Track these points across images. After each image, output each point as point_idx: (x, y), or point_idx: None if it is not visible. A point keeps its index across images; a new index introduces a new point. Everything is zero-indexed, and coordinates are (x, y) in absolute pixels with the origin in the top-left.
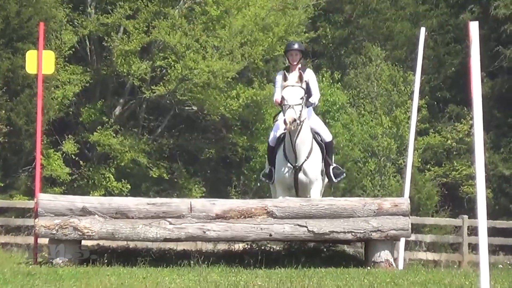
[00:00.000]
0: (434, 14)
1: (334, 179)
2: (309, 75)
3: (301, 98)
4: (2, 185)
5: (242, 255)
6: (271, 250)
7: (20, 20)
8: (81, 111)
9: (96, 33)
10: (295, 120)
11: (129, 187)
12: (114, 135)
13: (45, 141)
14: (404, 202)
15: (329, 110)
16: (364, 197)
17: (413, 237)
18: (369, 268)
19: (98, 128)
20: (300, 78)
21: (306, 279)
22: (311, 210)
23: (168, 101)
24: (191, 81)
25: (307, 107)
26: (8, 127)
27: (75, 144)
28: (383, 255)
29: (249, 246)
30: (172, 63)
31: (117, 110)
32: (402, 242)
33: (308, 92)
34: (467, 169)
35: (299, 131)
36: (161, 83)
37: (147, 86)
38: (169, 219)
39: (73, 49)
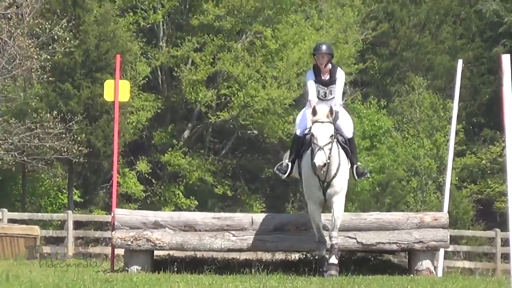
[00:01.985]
0: (470, 48)
1: (356, 178)
2: (339, 74)
3: (331, 136)
4: (82, 200)
5: (298, 264)
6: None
7: (98, 53)
8: (153, 134)
9: (167, 64)
10: (325, 164)
11: (197, 203)
12: (183, 156)
13: (121, 162)
14: (443, 216)
15: (376, 134)
16: (407, 212)
17: (451, 247)
18: (412, 275)
19: (168, 149)
20: (331, 112)
21: (355, 285)
22: (360, 224)
23: (231, 126)
24: (252, 107)
25: (335, 121)
26: (88, 148)
27: (148, 164)
28: (425, 264)
29: (304, 256)
30: (235, 91)
31: (186, 134)
32: (441, 252)
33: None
34: (499, 186)
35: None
36: (225, 109)
37: (212, 112)
38: (233, 232)
39: (147, 79)
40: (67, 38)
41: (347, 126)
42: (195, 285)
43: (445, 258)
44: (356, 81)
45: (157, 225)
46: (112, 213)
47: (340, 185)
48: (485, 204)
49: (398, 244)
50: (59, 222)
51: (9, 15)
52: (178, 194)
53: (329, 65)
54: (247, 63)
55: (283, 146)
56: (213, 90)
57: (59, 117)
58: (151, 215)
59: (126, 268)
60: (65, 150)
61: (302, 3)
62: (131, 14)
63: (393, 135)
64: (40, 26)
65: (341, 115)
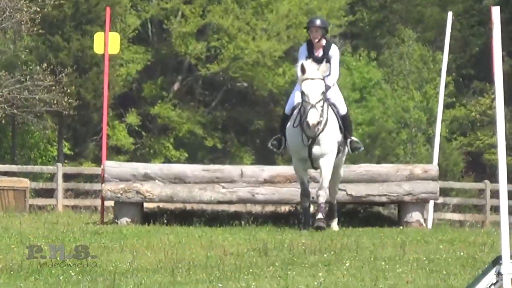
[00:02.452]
0: (460, 0)
1: (351, 152)
2: (333, 51)
3: (322, 93)
4: (72, 153)
5: (288, 216)
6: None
7: (88, 5)
8: (143, 86)
9: (157, 16)
10: (319, 123)
11: (186, 155)
12: (173, 108)
13: (111, 114)
14: (433, 168)
15: (366, 86)
16: (397, 164)
17: (441, 199)
18: (401, 227)
19: (158, 102)
20: (327, 69)
21: (345, 237)
22: (350, 176)
23: (221, 78)
24: (242, 60)
25: (325, 91)
26: (78, 101)
27: (138, 116)
28: (414, 216)
29: (294, 208)
30: (225, 43)
31: (176, 86)
32: (431, 204)
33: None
34: (489, 138)
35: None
36: (215, 62)
37: (202, 64)
38: (222, 184)
39: (136, 31)
40: None
41: (341, 103)
42: (185, 237)
43: (434, 210)
44: (346, 33)
45: (146, 177)
46: (102, 166)
47: (326, 144)
48: (474, 156)
49: (388, 196)
50: (49, 175)
51: None
52: (168, 146)
53: (323, 41)
54: (237, 15)
55: (273, 99)
56: (203, 42)
57: (48, 69)
58: (141, 167)
59: (116, 220)
60: (55, 102)
61: None
62: None
63: (383, 87)
64: None
65: (334, 92)
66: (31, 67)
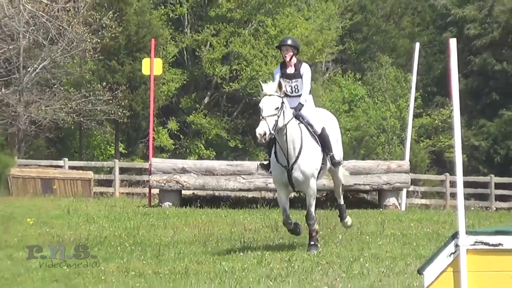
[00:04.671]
0: (425, 33)
1: (333, 167)
2: (304, 69)
3: (276, 108)
4: (126, 152)
5: (293, 201)
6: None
7: (138, 37)
8: (180, 100)
9: (191, 46)
10: (265, 133)
11: (214, 153)
12: (204, 117)
13: (155, 121)
14: (405, 163)
15: (353, 100)
16: (377, 160)
17: (411, 188)
18: (381, 210)
19: (192, 112)
20: (279, 86)
21: (337, 217)
22: None
23: (241, 93)
24: (257, 79)
25: (297, 110)
26: (130, 112)
27: (177, 123)
28: (391, 200)
29: (298, 195)
30: (244, 67)
31: (206, 100)
32: (404, 192)
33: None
34: (448, 141)
35: (285, 133)
36: (236, 81)
37: (226, 83)
38: (243, 176)
39: (175, 57)
40: (113, 26)
41: (316, 122)
42: (214, 217)
43: (407, 196)
44: (337, 59)
45: (184, 171)
46: (149, 161)
47: (305, 170)
48: (437, 154)
49: (370, 185)
50: (108, 168)
51: (68, 8)
52: (200, 146)
53: (294, 59)
54: (252, 45)
55: None
56: (227, 66)
57: (107, 87)
58: (179, 163)
59: (160, 204)
60: (112, 112)
61: None
62: (163, 7)
63: (366, 101)
64: (92, 17)
65: (309, 111)
66: (93, 85)
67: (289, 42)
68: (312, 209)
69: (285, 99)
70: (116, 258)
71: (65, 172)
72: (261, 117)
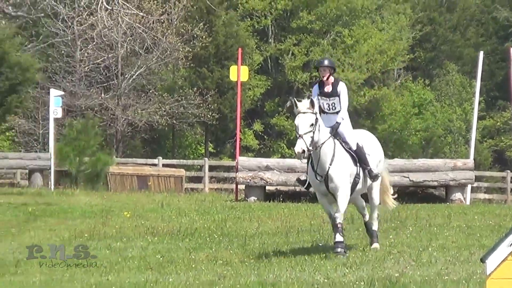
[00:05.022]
0: (488, 43)
1: (371, 180)
2: (341, 88)
3: (311, 125)
4: (214, 151)
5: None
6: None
7: (226, 46)
8: (265, 104)
9: (274, 54)
10: (304, 151)
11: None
12: (286, 119)
13: (242, 123)
14: (470, 162)
15: (422, 103)
16: (445, 159)
17: (476, 184)
18: (448, 204)
19: (276, 115)
20: (312, 104)
21: (408, 210)
22: (411, 167)
23: None
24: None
25: (334, 130)
26: (218, 114)
27: (261, 125)
28: (457, 195)
29: None
30: None
31: (288, 103)
32: (468, 187)
33: (336, 103)
34: (509, 141)
35: (320, 151)
36: None
37: (306, 88)
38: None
39: (260, 65)
40: (204, 36)
41: (351, 139)
42: (295, 210)
43: (471, 191)
44: (408, 66)
45: (268, 168)
46: (236, 160)
47: (338, 179)
48: (499, 153)
49: (438, 182)
50: (198, 166)
51: (162, 20)
52: (283, 146)
53: (331, 78)
54: (331, 54)
55: (356, 112)
56: (307, 72)
57: (198, 92)
58: (263, 161)
59: (246, 199)
60: (202, 115)
61: (369, 11)
62: (249, 19)
63: (434, 105)
64: (184, 28)
65: (345, 129)
66: (185, 90)
67: (326, 62)
68: (342, 209)
69: (318, 116)
70: (206, 248)
71: (159, 170)
72: (298, 135)
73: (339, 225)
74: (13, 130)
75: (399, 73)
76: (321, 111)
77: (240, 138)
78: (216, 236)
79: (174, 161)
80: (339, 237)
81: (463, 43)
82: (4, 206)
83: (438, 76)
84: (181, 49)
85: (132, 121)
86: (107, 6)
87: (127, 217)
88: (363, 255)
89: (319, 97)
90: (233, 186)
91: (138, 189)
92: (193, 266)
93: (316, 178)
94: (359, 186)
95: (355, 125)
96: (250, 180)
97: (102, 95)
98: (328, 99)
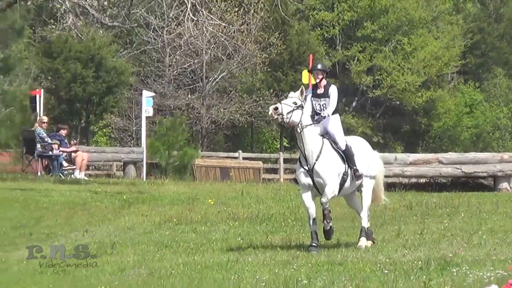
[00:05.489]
0: None
1: (356, 179)
2: (332, 90)
3: (294, 103)
4: (289, 145)
5: (425, 185)
6: (440, 182)
7: (299, 53)
8: None
9: (342, 60)
10: (277, 109)
11: None
12: (352, 117)
13: None
14: None
15: (473, 103)
16: (493, 152)
17: None
18: (495, 192)
19: (343, 113)
20: (301, 93)
21: (460, 199)
22: (463, 159)
23: (382, 99)
24: (395, 87)
25: (318, 122)
26: None
27: None
28: (504, 185)
29: (428, 180)
30: (385, 77)
31: (354, 103)
32: None
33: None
34: None
35: (303, 137)
36: (379, 88)
37: (370, 90)
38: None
39: (329, 69)
40: (279, 44)
41: (341, 140)
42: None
43: None
44: (460, 71)
45: None
46: None
47: (325, 174)
48: None
49: (487, 173)
50: (274, 159)
51: (242, 29)
52: None
53: (324, 81)
54: (392, 59)
55: (415, 112)
56: (371, 76)
57: (273, 93)
58: None
59: None
60: None
61: (426, 22)
62: (319, 29)
63: (483, 105)
64: (262, 37)
65: (334, 125)
66: (262, 92)
67: (319, 67)
68: (327, 196)
69: (306, 104)
70: (281, 231)
71: (240, 162)
72: (279, 103)
73: (326, 212)
74: (110, 127)
75: (452, 76)
76: (314, 112)
77: None
78: (290, 221)
79: (253, 155)
80: (326, 223)
81: (510, 50)
82: (101, 194)
83: (487, 79)
84: (259, 55)
85: (215, 119)
86: (193, 17)
87: (211, 204)
88: (421, 238)
89: (312, 99)
90: None
91: (221, 179)
92: (269, 247)
93: (302, 167)
94: (347, 184)
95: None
96: None
97: (189, 96)
98: (319, 100)
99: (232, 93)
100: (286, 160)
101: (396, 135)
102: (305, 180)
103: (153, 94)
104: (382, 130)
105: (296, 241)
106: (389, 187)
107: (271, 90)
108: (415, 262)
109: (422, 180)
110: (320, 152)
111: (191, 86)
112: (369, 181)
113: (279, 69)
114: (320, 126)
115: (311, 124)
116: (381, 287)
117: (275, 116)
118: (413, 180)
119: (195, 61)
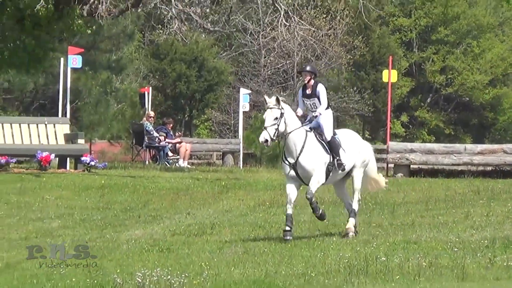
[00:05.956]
0: None
1: (337, 168)
2: (320, 89)
3: (276, 119)
4: (370, 137)
5: (491, 173)
6: (505, 170)
7: (379, 55)
8: (410, 100)
9: (418, 60)
10: (267, 140)
11: (434, 138)
12: (427, 112)
13: (392, 115)
14: None
15: None
16: None
17: None
18: None
19: (418, 108)
20: (277, 101)
21: None
22: None
23: (454, 95)
24: (465, 85)
25: (310, 121)
26: (373, 108)
27: (407, 116)
28: None
29: (494, 168)
30: (456, 76)
31: (428, 100)
32: None
33: (317, 102)
34: None
35: (287, 136)
36: (450, 86)
37: (443, 87)
38: (454, 154)
39: (406, 69)
40: (362, 47)
41: (327, 131)
42: (433, 184)
43: None
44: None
45: (412, 151)
46: (387, 144)
47: (306, 165)
48: None
49: None
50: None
51: (329, 34)
52: (424, 133)
53: (312, 82)
54: (462, 60)
55: (483, 107)
56: (444, 75)
57: (357, 90)
58: (408, 145)
59: (394, 175)
60: (361, 109)
61: (493, 26)
62: (398, 33)
63: None
64: (347, 40)
65: (325, 119)
66: (347, 89)
67: (308, 68)
68: (311, 189)
69: (286, 110)
70: (362, 214)
71: None
72: (263, 128)
73: (312, 200)
74: (210, 121)
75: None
76: (307, 111)
77: (390, 127)
78: (370, 205)
79: None
80: (316, 213)
81: None
82: (202, 181)
83: None
84: (344, 57)
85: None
86: (285, 23)
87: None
88: (487, 219)
89: (303, 99)
90: (384, 165)
91: None
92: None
93: (285, 163)
94: (331, 173)
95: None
96: (398, 160)
97: (281, 93)
98: (309, 100)
99: None
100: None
101: (466, 128)
102: (289, 172)
103: (249, 91)
104: (453, 123)
105: (376, 222)
106: (459, 174)
107: (355, 88)
108: (482, 241)
109: (489, 168)
110: (304, 145)
111: (283, 84)
112: (359, 169)
113: (362, 69)
114: (313, 121)
115: (298, 128)
116: (451, 263)
117: (267, 146)
118: (481, 168)
119: (287, 62)
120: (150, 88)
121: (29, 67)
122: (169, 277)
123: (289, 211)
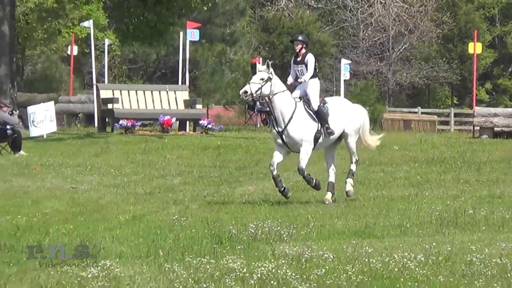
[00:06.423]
0: None
1: (326, 135)
2: (309, 58)
3: (262, 79)
4: (458, 103)
5: None
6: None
7: (466, 29)
8: (493, 69)
9: (500, 34)
10: (246, 92)
11: None
12: (508, 80)
13: (477, 83)
14: None
15: None
16: None
17: None
18: None
19: (501, 77)
20: (267, 65)
21: None
22: None
23: None
24: None
25: (295, 86)
26: (461, 77)
27: (491, 84)
28: None
29: None
30: None
31: (510, 69)
32: None
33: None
34: None
35: (273, 102)
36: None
37: None
38: None
39: (489, 42)
40: (450, 22)
41: (314, 101)
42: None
43: None
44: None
45: (495, 115)
46: (473, 109)
47: (295, 134)
48: None
49: None
50: (447, 113)
51: (420, 10)
52: (506, 99)
53: (303, 50)
54: None
55: None
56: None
57: (446, 61)
58: (492, 110)
59: (480, 137)
60: (449, 78)
61: None
62: (482, 9)
63: None
64: (436, 16)
65: (312, 88)
66: (437, 60)
67: (300, 38)
68: (301, 165)
69: (273, 76)
70: (451, 171)
71: (419, 116)
72: (248, 82)
73: (305, 175)
74: None
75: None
76: (296, 77)
77: (476, 94)
78: (459, 163)
79: (429, 110)
80: (311, 184)
81: None
82: None
83: None
84: (434, 31)
85: (399, 81)
86: (381, 0)
87: (396, 149)
88: None
89: (294, 65)
90: (471, 127)
91: (404, 130)
92: (442, 184)
93: (274, 129)
94: (320, 140)
95: None
96: (483, 123)
97: (378, 63)
98: (298, 66)
99: (412, 61)
100: (455, 114)
101: None
102: (278, 139)
103: (349, 62)
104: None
105: (464, 178)
106: None
107: (444, 59)
108: None
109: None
110: (292, 115)
111: (380, 55)
112: (351, 133)
113: (450, 42)
114: (300, 89)
115: (283, 91)
116: None
117: (246, 98)
118: None
119: (383, 35)
120: (261, 59)
121: (151, 40)
122: (278, 228)
123: (274, 172)
